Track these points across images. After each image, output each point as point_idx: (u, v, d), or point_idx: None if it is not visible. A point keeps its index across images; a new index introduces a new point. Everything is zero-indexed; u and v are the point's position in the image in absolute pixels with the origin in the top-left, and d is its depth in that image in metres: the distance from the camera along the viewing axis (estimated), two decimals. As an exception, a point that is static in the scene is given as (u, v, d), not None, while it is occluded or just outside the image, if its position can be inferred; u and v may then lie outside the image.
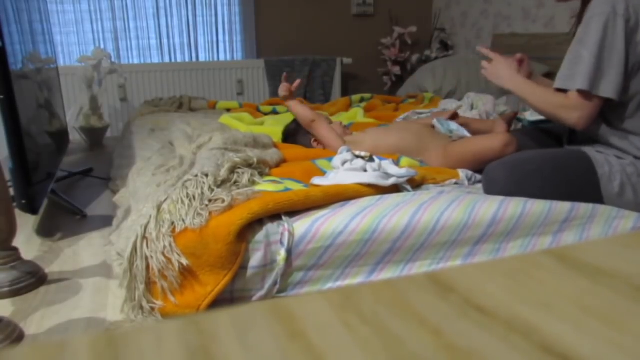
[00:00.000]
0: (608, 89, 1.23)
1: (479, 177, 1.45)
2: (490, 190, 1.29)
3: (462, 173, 1.45)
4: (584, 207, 1.24)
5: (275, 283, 1.10)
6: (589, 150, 1.33)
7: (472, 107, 2.26)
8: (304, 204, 1.16)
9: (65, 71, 2.76)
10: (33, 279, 1.23)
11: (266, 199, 1.12)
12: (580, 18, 1.40)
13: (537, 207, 1.21)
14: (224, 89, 3.26)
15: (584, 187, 1.29)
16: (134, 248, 1.05)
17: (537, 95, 1.34)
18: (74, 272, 1.31)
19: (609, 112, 1.31)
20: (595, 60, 1.22)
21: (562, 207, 1.23)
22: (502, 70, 1.43)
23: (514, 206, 1.20)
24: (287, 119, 2.27)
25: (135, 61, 3.18)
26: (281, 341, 0.23)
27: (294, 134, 1.81)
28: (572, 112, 1.27)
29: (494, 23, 3.40)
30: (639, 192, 1.29)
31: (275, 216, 1.13)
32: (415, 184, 1.35)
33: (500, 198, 1.24)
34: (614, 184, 1.28)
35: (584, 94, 1.26)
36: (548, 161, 1.30)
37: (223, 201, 1.09)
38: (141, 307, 1.04)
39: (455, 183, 1.42)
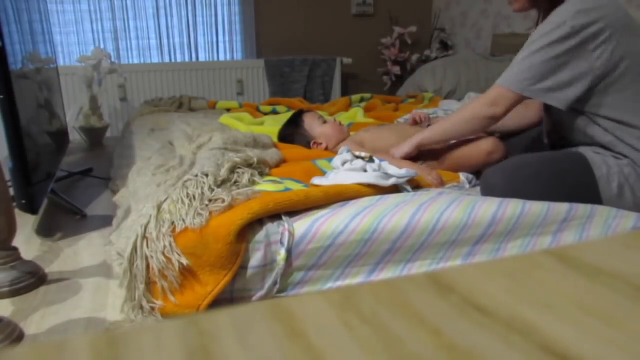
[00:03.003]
0: (542, 92, 1.28)
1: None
2: (488, 195, 1.30)
3: (463, 176, 1.45)
4: (582, 208, 1.23)
5: (275, 283, 1.10)
6: (586, 152, 1.33)
7: None
8: (305, 204, 1.16)
9: (65, 71, 2.76)
10: (33, 279, 1.23)
11: (266, 199, 1.12)
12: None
13: (536, 207, 1.21)
14: (224, 89, 3.26)
15: (582, 190, 1.28)
16: (134, 248, 1.05)
17: (452, 124, 1.43)
18: (74, 272, 1.31)
19: (598, 117, 1.31)
20: (536, 63, 1.27)
21: (561, 208, 1.22)
22: (401, 148, 1.52)
23: (513, 206, 1.20)
24: (287, 119, 2.27)
25: (135, 61, 3.18)
26: (281, 341, 0.23)
27: (291, 137, 1.81)
28: (495, 107, 1.34)
29: (493, 23, 3.40)
30: (637, 193, 1.29)
31: (275, 216, 1.13)
32: (415, 185, 1.35)
33: (499, 199, 1.24)
34: (612, 185, 1.28)
35: (509, 91, 1.32)
36: (546, 165, 1.31)
37: (223, 201, 1.09)
38: (141, 307, 1.04)
39: (455, 186, 1.42)
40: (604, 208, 1.25)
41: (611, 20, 1.24)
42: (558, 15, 1.26)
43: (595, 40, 1.23)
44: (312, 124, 1.78)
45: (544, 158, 1.33)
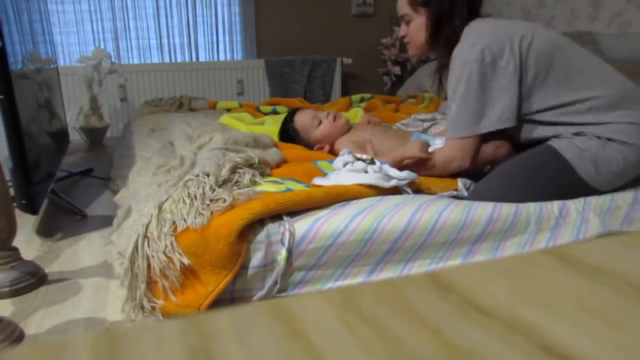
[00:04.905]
0: (490, 123, 1.32)
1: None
2: None
3: (460, 182, 1.43)
4: (575, 201, 1.25)
5: (275, 283, 1.10)
6: (553, 141, 1.34)
7: None
8: (306, 204, 1.16)
9: (65, 71, 2.76)
10: (33, 279, 1.23)
11: (267, 199, 1.12)
12: (439, 76, 1.55)
13: (530, 204, 1.23)
14: (224, 89, 3.26)
15: (563, 178, 1.29)
16: (135, 247, 1.05)
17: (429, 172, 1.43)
18: (74, 272, 1.32)
19: (536, 115, 1.34)
20: (468, 106, 1.32)
21: (554, 203, 1.24)
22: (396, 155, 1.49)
23: (509, 205, 1.22)
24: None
25: (135, 61, 3.18)
26: (281, 341, 0.23)
27: (292, 141, 1.79)
28: (461, 159, 1.37)
29: (494, 23, 3.39)
30: (610, 165, 1.28)
31: (276, 216, 1.13)
32: (415, 187, 1.35)
33: None
34: (586, 163, 1.28)
35: (465, 138, 1.35)
36: (522, 167, 1.33)
37: (224, 201, 1.09)
38: (142, 307, 1.04)
39: (453, 194, 1.39)
40: (597, 199, 1.27)
41: (501, 36, 1.31)
42: (458, 57, 1.33)
43: (502, 56, 1.29)
44: (307, 130, 1.74)
45: (518, 161, 1.36)
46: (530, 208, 1.22)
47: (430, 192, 1.36)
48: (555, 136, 1.34)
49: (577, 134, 1.31)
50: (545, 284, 0.28)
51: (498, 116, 1.31)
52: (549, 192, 1.28)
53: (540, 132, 1.37)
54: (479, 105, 1.32)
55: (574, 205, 1.25)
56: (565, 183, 1.29)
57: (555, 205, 1.24)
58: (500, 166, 1.39)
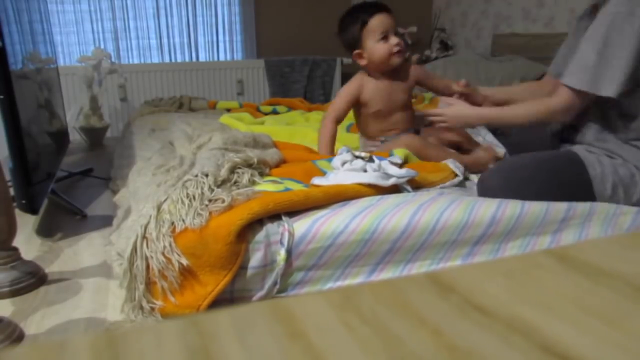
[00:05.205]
0: (608, 88, 1.24)
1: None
2: (483, 195, 1.30)
3: (451, 164, 1.45)
4: (581, 206, 1.24)
5: (275, 283, 1.10)
6: (580, 150, 1.33)
7: None
8: (304, 204, 1.16)
9: (65, 71, 2.76)
10: (33, 279, 1.23)
11: (266, 199, 1.12)
12: (593, 12, 1.38)
13: (535, 207, 1.21)
14: (224, 89, 3.26)
15: (577, 189, 1.29)
16: (134, 248, 1.05)
17: (519, 114, 1.38)
18: (74, 272, 1.31)
19: (614, 115, 1.31)
20: (598, 59, 1.23)
21: (560, 207, 1.23)
22: (462, 111, 1.45)
23: (512, 206, 1.21)
24: (287, 118, 2.27)
25: (135, 61, 3.18)
26: (281, 341, 0.23)
27: (342, 29, 1.73)
28: (566, 112, 1.31)
29: (494, 23, 3.40)
30: (631, 194, 1.29)
31: (275, 216, 1.13)
32: (415, 185, 1.35)
33: (498, 199, 1.24)
34: (606, 185, 1.28)
35: (577, 91, 1.28)
36: (542, 165, 1.31)
37: (223, 201, 1.09)
38: (141, 307, 1.04)
39: (453, 184, 1.41)
40: (602, 205, 1.25)
41: None
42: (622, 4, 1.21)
43: None
44: (370, 34, 1.65)
45: (539, 158, 1.33)
46: (535, 210, 1.20)
47: (430, 184, 1.37)
48: (608, 147, 1.31)
49: (615, 154, 1.29)
50: (545, 284, 0.28)
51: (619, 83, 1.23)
52: (559, 196, 1.27)
53: (609, 129, 1.32)
54: (628, 63, 1.22)
55: (580, 209, 1.23)
56: (577, 193, 1.28)
57: (561, 208, 1.22)
58: (520, 157, 1.35)
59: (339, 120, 1.66)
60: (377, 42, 1.62)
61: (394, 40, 1.62)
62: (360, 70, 1.72)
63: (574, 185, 1.29)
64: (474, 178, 1.49)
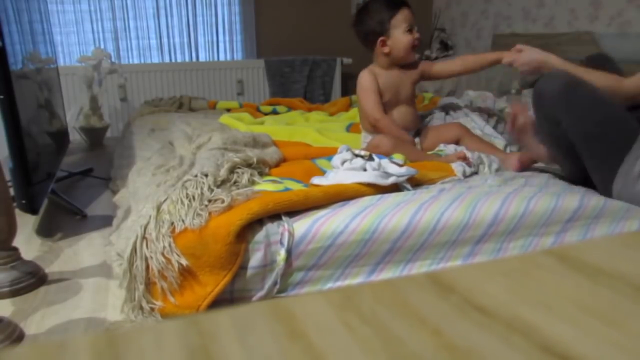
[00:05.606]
0: None
1: (473, 169, 1.49)
2: (539, 103, 1.26)
3: (458, 167, 1.45)
4: (592, 205, 1.20)
5: (275, 283, 1.10)
6: None
7: (471, 103, 2.26)
8: (304, 204, 1.16)
9: (65, 71, 2.76)
10: (33, 279, 1.23)
11: (266, 199, 1.12)
12: None
13: (540, 205, 1.19)
14: (224, 89, 3.26)
15: (615, 144, 1.24)
16: (134, 248, 1.05)
17: (590, 73, 1.34)
18: (74, 272, 1.31)
19: None
20: None
21: (569, 205, 1.20)
22: (537, 54, 1.48)
23: (516, 205, 1.19)
24: (287, 119, 2.27)
25: (135, 61, 3.17)
26: (281, 341, 0.23)
27: (365, 13, 1.74)
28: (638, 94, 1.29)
29: (494, 23, 3.40)
30: None
31: (275, 216, 1.13)
32: (415, 183, 1.35)
33: (501, 196, 1.22)
34: (636, 168, 1.22)
35: None
36: (604, 97, 1.25)
37: (223, 201, 1.09)
38: (141, 308, 1.04)
39: (454, 179, 1.42)
40: (614, 205, 1.22)
41: None
42: None
43: None
44: (398, 24, 1.69)
45: (607, 98, 1.27)
46: (540, 209, 1.18)
47: (430, 181, 1.37)
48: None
49: None
50: (545, 284, 0.28)
51: None
52: (606, 123, 1.23)
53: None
54: None
55: (591, 207, 1.20)
56: (621, 133, 1.23)
57: (571, 206, 1.19)
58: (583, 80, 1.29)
59: (383, 111, 1.73)
60: (404, 33, 1.69)
61: (416, 34, 1.72)
62: (366, 67, 1.79)
63: (616, 139, 1.23)
64: (479, 174, 1.49)
